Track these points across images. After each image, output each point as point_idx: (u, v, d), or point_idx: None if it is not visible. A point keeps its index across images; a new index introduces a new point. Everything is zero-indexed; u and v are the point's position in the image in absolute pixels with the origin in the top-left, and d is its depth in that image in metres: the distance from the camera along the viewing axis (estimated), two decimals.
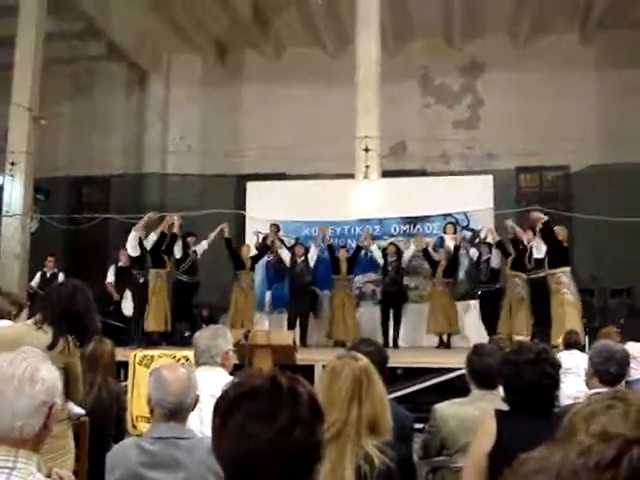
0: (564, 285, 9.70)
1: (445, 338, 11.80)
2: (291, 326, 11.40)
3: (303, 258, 11.90)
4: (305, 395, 1.37)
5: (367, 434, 2.35)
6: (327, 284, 12.14)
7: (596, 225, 13.48)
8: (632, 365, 7.82)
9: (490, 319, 11.21)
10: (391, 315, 11.81)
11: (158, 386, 2.72)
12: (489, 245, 11.50)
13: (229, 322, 11.15)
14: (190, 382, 2.73)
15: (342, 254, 11.97)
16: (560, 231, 10.03)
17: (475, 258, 11.75)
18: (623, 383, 3.75)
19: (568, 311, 9.58)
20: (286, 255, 12.12)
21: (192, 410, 2.74)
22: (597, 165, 15.23)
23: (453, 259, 11.79)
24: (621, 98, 15.04)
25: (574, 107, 14.96)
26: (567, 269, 9.88)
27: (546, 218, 10.03)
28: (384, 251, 11.98)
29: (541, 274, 10.20)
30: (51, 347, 3.51)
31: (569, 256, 10.24)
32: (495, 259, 11.38)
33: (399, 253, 11.88)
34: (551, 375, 2.78)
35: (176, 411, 2.69)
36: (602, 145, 15.11)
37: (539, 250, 10.20)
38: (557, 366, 2.87)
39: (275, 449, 1.30)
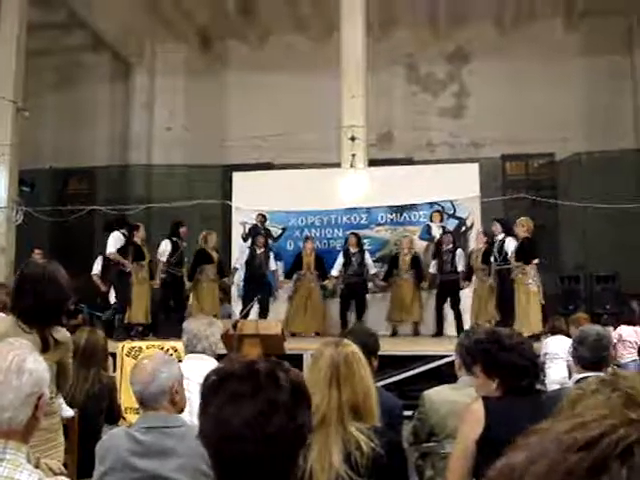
0: (527, 276, 9.75)
1: (412, 327, 11.90)
2: (245, 315, 11.02)
3: (263, 249, 11.84)
4: (285, 380, 1.39)
5: (351, 420, 2.36)
6: (290, 272, 12.15)
7: (582, 212, 13.56)
8: (619, 347, 7.96)
9: (443, 308, 11.36)
10: (353, 305, 11.80)
11: (130, 376, 2.80)
12: (453, 236, 11.61)
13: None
14: (154, 373, 2.72)
15: (308, 248, 11.94)
16: (525, 222, 10.04)
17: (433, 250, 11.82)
18: (611, 366, 3.77)
19: (531, 301, 9.67)
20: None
21: (165, 400, 2.73)
22: (583, 152, 15.29)
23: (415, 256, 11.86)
24: (606, 85, 15.10)
25: (559, 95, 14.98)
26: (534, 261, 9.92)
27: (524, 236, 10.04)
28: (345, 242, 11.96)
29: (505, 266, 10.20)
30: (45, 350, 3.36)
31: (536, 248, 10.21)
32: (460, 254, 11.47)
33: (360, 244, 11.86)
34: (526, 356, 2.79)
35: (141, 399, 2.73)
36: (587, 132, 15.16)
37: (508, 247, 10.21)
38: (531, 348, 2.89)
39: (252, 432, 1.31)
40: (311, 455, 2.27)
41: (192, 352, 3.59)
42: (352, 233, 12.00)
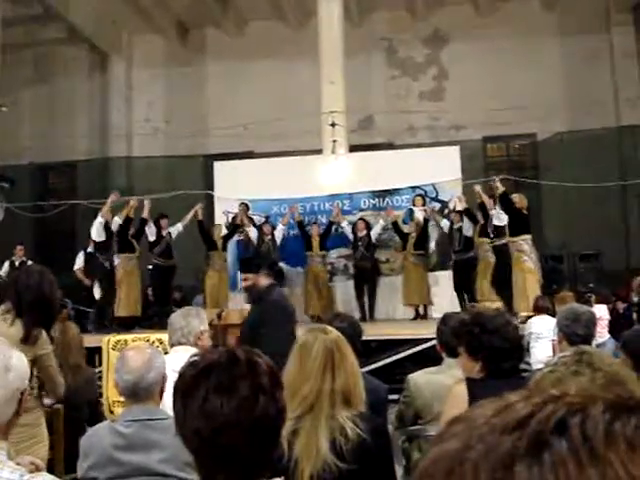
0: (525, 253, 9.79)
1: (421, 309, 11.88)
2: None
3: (270, 237, 11.86)
4: (264, 365, 1.42)
5: (341, 406, 2.36)
6: (298, 260, 12.13)
7: (564, 191, 13.60)
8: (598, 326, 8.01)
9: (464, 288, 11.25)
10: (365, 289, 11.85)
11: (118, 366, 2.71)
12: (460, 213, 11.51)
13: (204, 303, 11.12)
14: (150, 362, 2.66)
15: (315, 231, 11.96)
16: (519, 199, 10.07)
17: (447, 228, 11.73)
18: (593, 345, 3.80)
19: (528, 278, 9.70)
20: (254, 234, 12.05)
21: (157, 391, 2.70)
22: (564, 132, 15.33)
23: (423, 231, 11.82)
24: (585, 64, 15.12)
25: (539, 75, 14.99)
26: (528, 237, 9.95)
27: (502, 190, 10.10)
28: (354, 227, 11.98)
29: (503, 241, 10.25)
30: (25, 340, 3.41)
31: (530, 224, 10.26)
32: (466, 227, 11.34)
33: (369, 228, 11.89)
34: (509, 339, 2.79)
35: (134, 390, 2.65)
36: (568, 112, 15.21)
37: (499, 219, 10.22)
38: (515, 330, 2.88)
39: (239, 420, 1.33)
40: (298, 442, 2.26)
41: (172, 344, 3.57)
42: (360, 219, 12.10)
